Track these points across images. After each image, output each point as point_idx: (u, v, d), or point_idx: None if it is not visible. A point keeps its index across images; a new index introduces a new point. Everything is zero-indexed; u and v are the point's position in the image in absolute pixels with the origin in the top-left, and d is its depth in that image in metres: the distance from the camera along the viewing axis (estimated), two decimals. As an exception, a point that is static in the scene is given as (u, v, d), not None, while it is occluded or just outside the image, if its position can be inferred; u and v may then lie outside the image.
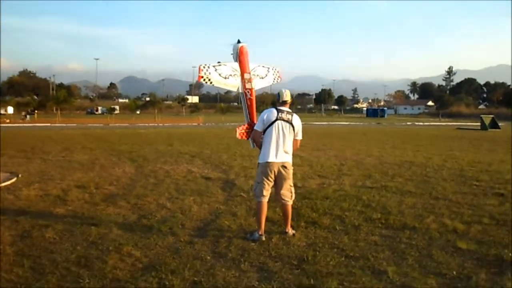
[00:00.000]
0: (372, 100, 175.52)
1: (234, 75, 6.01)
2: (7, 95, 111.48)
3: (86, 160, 12.83)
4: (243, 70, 6.05)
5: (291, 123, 5.35)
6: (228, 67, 6.00)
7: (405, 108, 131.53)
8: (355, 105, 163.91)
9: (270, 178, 5.33)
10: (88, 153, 14.80)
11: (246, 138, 5.93)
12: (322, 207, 6.99)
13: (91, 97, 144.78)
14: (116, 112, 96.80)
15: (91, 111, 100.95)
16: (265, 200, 5.39)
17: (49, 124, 42.99)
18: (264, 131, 5.36)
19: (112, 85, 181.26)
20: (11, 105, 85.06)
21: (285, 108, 5.41)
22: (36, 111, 72.20)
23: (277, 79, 6.71)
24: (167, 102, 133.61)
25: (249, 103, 6.02)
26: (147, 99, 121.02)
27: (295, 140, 5.47)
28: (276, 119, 5.29)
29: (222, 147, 17.48)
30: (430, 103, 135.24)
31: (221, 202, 7.39)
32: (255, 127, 5.50)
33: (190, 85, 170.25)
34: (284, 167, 5.34)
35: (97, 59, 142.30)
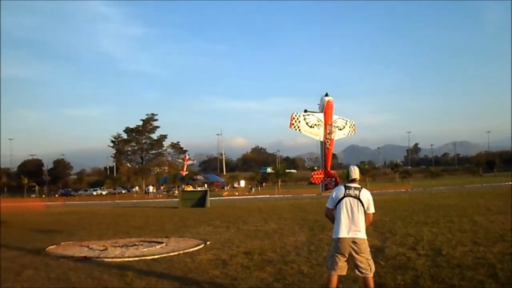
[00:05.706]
0: None
1: (318, 124, 6.89)
2: (241, 170, 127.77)
3: (272, 229, 14.30)
4: (326, 121, 6.93)
5: (359, 198, 5.58)
6: (314, 117, 6.90)
7: None
8: None
9: (341, 253, 5.54)
10: (279, 223, 16.31)
11: (318, 183, 6.97)
12: (445, 276, 6.75)
13: (315, 168, 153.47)
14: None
15: (311, 182, 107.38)
16: (334, 273, 5.57)
17: (268, 196, 47.59)
18: (336, 207, 5.69)
19: (333, 156, 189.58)
20: (242, 179, 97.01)
21: (353, 185, 5.70)
22: (262, 184, 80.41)
23: (352, 132, 7.52)
24: (383, 168, 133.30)
25: (326, 151, 6.91)
26: (366, 166, 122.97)
27: (367, 214, 5.63)
28: (344, 196, 5.62)
29: (406, 213, 17.16)
30: None
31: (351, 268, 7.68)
32: (326, 205, 5.88)
33: (407, 150, 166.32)
34: (355, 242, 5.48)
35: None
